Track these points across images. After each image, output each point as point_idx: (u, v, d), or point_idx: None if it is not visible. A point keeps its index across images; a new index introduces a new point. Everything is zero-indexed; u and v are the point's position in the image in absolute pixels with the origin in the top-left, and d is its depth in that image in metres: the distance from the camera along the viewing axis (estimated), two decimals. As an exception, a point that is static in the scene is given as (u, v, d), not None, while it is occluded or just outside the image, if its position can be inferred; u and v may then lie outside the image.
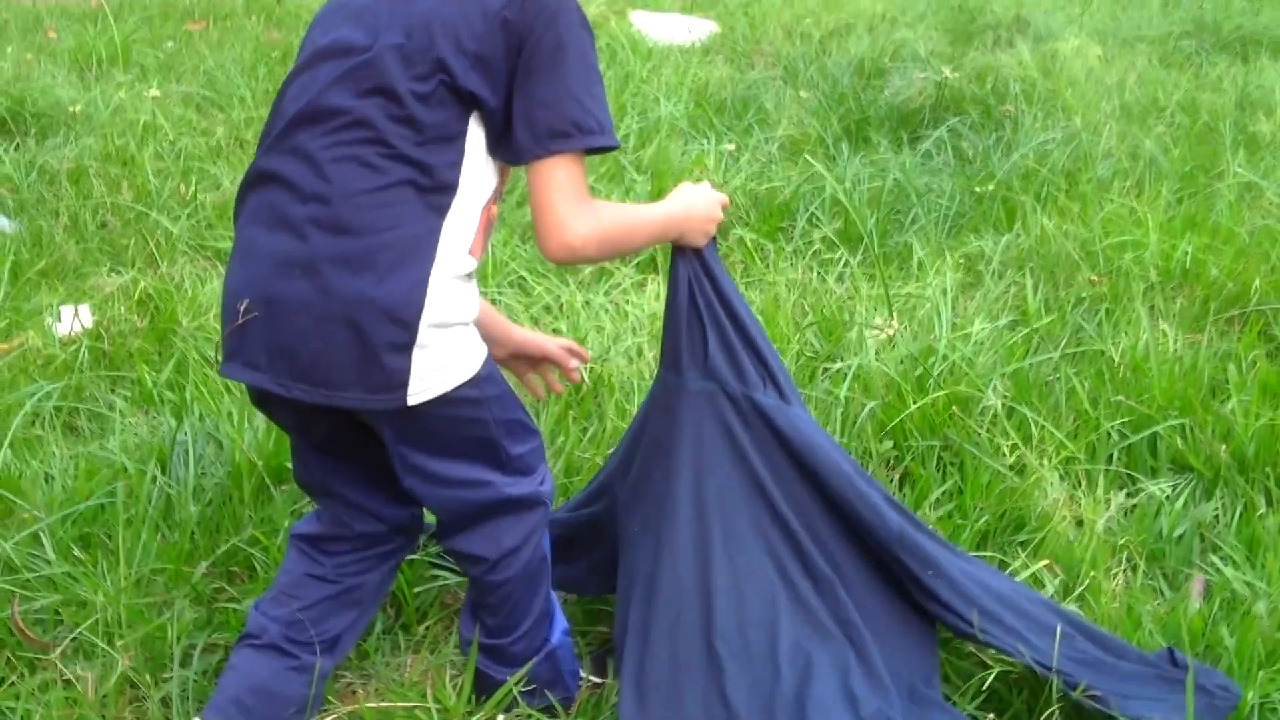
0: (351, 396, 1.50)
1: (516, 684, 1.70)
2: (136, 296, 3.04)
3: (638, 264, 3.05)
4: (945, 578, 1.68)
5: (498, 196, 1.61)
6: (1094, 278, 2.75)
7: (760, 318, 2.44)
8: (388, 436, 1.58)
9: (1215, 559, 1.95)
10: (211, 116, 4.58)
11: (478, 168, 1.54)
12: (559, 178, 1.51)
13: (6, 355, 2.79)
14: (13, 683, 1.78)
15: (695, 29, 5.69)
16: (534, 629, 1.72)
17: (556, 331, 2.65)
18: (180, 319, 2.90)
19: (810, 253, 3.10)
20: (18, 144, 4.21)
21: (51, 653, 1.81)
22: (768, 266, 3.04)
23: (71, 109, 4.24)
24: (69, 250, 3.40)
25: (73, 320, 2.95)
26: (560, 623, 1.78)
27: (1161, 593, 1.92)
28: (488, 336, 1.65)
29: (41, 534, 2.02)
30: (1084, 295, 2.70)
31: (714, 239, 1.73)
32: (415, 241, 1.49)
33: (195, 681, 1.78)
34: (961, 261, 2.95)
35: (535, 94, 1.50)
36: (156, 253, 3.34)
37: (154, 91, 4.36)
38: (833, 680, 1.60)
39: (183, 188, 3.72)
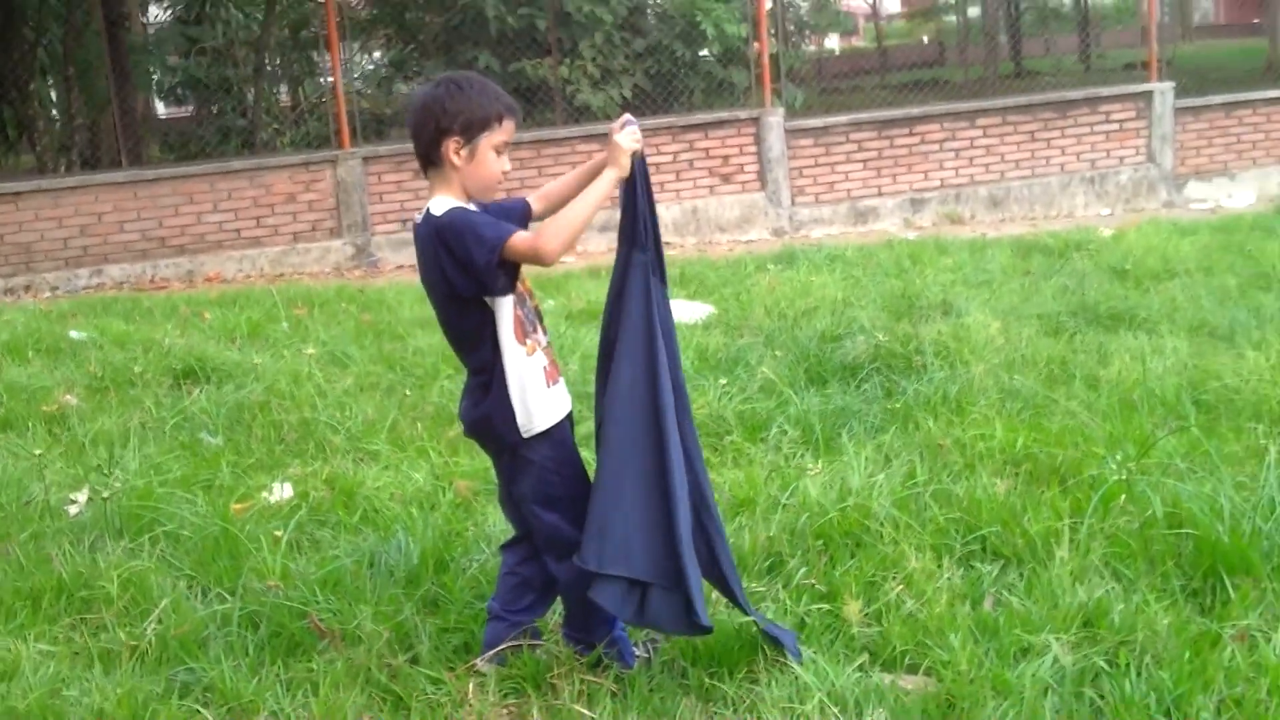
0: None
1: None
2: (323, 475, 4.52)
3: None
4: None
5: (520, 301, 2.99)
6: (949, 451, 4.24)
7: (745, 487, 3.97)
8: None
9: (1004, 592, 3.35)
10: (336, 370, 6.16)
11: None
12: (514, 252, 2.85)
13: (247, 511, 4.24)
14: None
15: (698, 311, 7.35)
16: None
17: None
18: (356, 489, 4.37)
19: (778, 449, 4.59)
20: (203, 389, 5.78)
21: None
22: (750, 462, 4.51)
23: (255, 362, 5.81)
24: (264, 453, 4.89)
25: (280, 491, 4.42)
26: (618, 624, 3.17)
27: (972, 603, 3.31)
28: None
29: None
30: (946, 462, 4.19)
31: (643, 157, 2.93)
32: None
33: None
34: (875, 449, 4.44)
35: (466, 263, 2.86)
36: (327, 451, 4.84)
37: (310, 350, 5.96)
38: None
39: (337, 415, 5.25)
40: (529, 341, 2.99)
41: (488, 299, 2.92)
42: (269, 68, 15.96)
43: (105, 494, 4.21)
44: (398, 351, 6.46)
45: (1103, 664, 2.95)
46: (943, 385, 5.10)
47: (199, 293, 9.36)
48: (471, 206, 2.97)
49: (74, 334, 7.08)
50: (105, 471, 4.57)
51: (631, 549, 2.91)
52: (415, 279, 8.95)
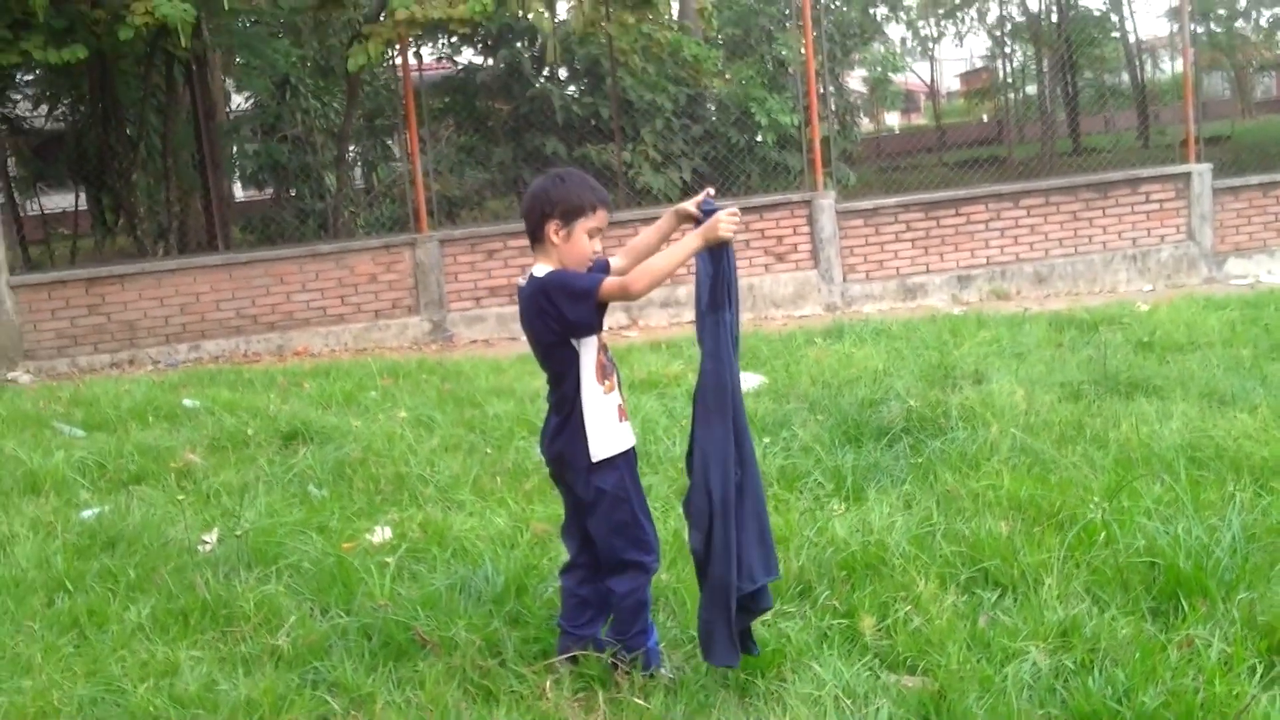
0: None
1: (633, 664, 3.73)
2: (418, 520, 5.22)
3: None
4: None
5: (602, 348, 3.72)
6: (962, 499, 4.87)
7: (782, 527, 4.62)
8: None
9: (998, 612, 3.96)
10: (423, 432, 6.87)
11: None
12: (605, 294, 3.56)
13: (355, 549, 4.94)
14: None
15: (750, 381, 8.00)
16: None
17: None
18: (446, 532, 5.06)
19: (814, 497, 5.23)
20: (307, 448, 6.52)
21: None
22: (788, 509, 5.15)
23: (353, 425, 6.56)
24: (364, 502, 5.61)
25: (381, 534, 5.13)
26: (653, 634, 3.81)
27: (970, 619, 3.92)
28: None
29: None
30: (959, 508, 4.81)
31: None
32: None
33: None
34: (897, 497, 5.07)
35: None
36: (419, 501, 5.55)
37: (403, 413, 6.70)
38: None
39: (426, 470, 5.96)
40: (606, 382, 3.69)
41: (574, 342, 3.64)
42: (348, 155, 16.95)
43: (238, 532, 4.94)
44: (476, 417, 7.17)
45: (1072, 666, 3.55)
46: (963, 444, 5.72)
47: (290, 366, 10.19)
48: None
49: (187, 402, 7.88)
50: (235, 514, 5.31)
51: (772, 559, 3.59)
52: (488, 352, 9.73)
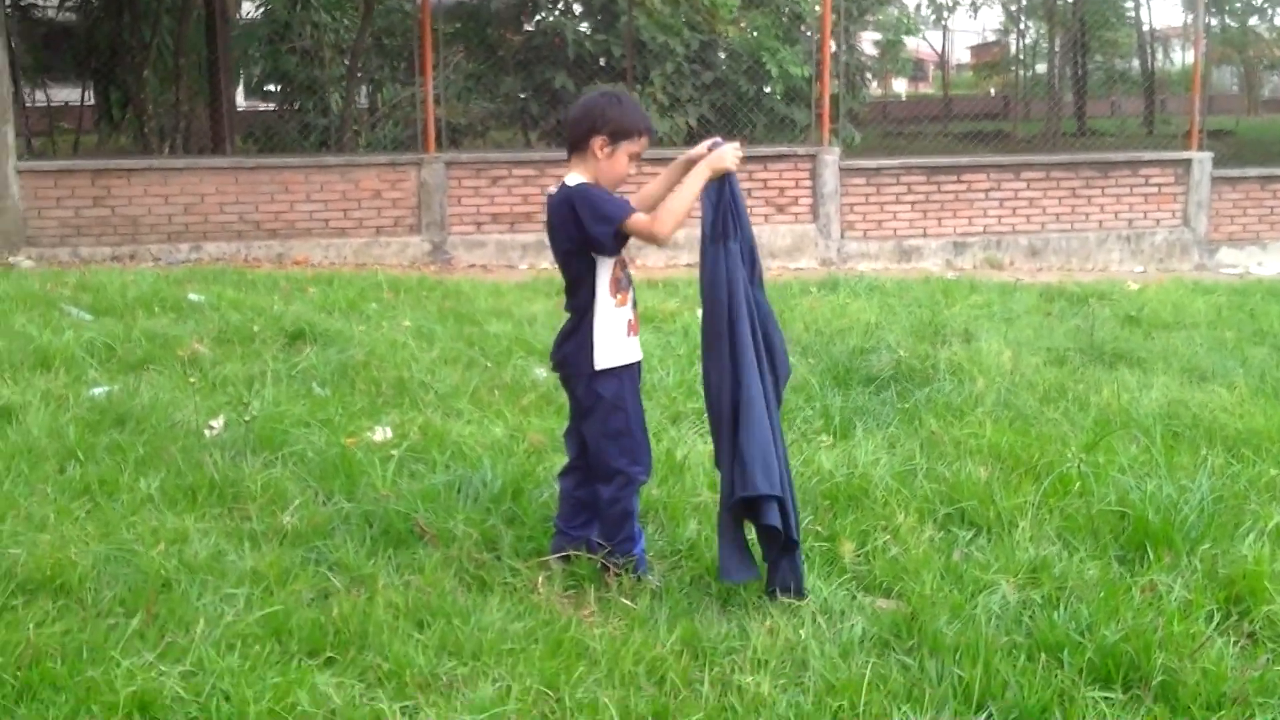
0: None
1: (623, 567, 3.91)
2: (418, 424, 5.38)
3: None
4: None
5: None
6: (944, 444, 5.06)
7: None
8: None
9: (972, 548, 4.15)
10: (424, 343, 7.02)
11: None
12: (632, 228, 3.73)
13: (357, 444, 5.11)
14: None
15: (744, 322, 8.17)
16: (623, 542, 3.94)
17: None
18: (445, 436, 5.22)
19: (802, 433, 5.41)
20: (311, 349, 6.67)
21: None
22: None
23: (357, 329, 6.71)
24: (366, 403, 5.77)
25: (382, 433, 5.28)
26: (640, 542, 3.98)
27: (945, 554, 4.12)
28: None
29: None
30: (941, 452, 5.00)
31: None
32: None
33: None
34: (882, 438, 5.25)
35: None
36: (419, 406, 5.71)
37: (406, 322, 6.85)
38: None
39: (427, 378, 6.12)
40: (619, 295, 3.84)
41: (594, 255, 3.79)
42: (358, 73, 16.96)
43: (247, 418, 5.10)
44: (476, 334, 7.33)
45: (1039, 601, 3.75)
46: (949, 395, 5.91)
47: (291, 273, 10.30)
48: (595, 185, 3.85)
49: (192, 296, 8.00)
50: (244, 402, 5.47)
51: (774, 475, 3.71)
52: (486, 276, 9.83)
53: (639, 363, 3.97)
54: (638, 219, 3.75)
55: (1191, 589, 3.80)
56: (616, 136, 3.82)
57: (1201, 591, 3.77)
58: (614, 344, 3.86)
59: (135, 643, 3.37)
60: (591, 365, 3.85)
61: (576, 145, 3.86)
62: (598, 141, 3.81)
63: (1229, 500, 4.51)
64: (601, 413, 3.89)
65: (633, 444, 3.93)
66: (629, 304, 3.92)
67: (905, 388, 6.14)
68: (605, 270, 3.84)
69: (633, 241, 3.80)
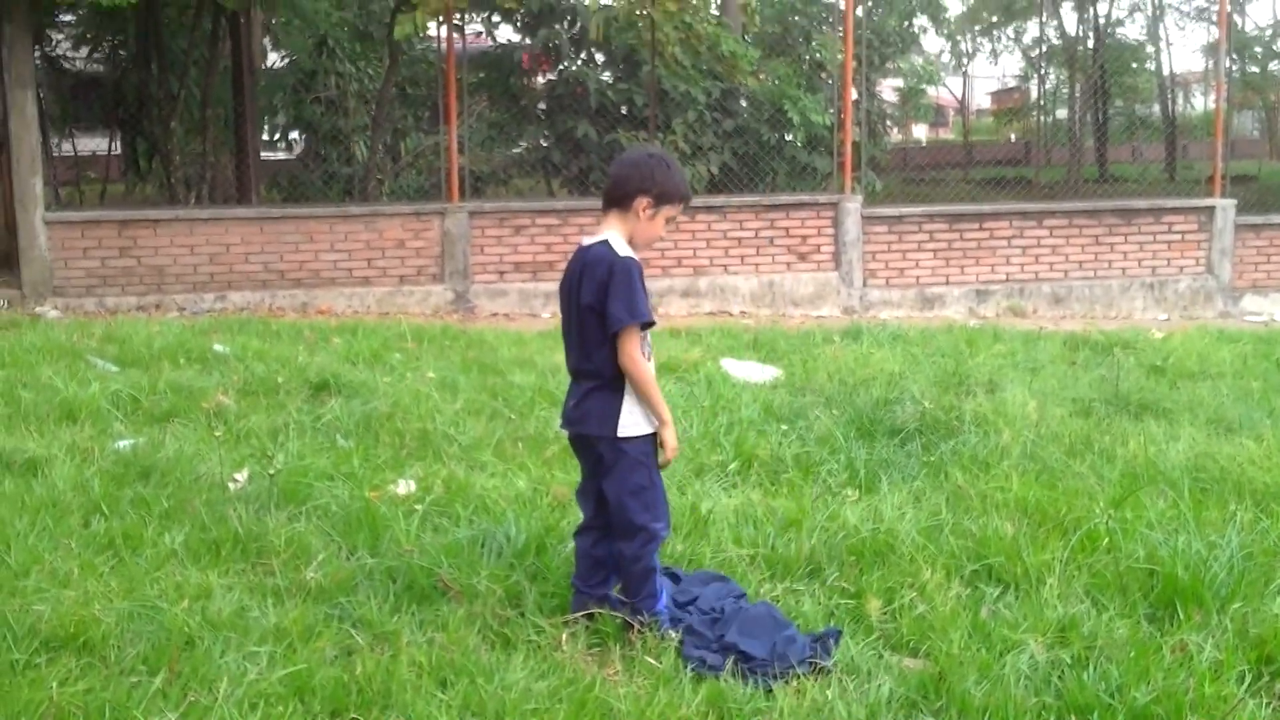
0: None
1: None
2: (441, 476, 5.38)
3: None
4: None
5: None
6: (971, 498, 5.02)
7: (795, 511, 4.77)
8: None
9: (999, 605, 4.11)
10: (448, 394, 7.03)
11: None
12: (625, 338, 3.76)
13: (380, 498, 5.10)
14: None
15: (767, 372, 8.16)
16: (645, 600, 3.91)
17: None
18: (469, 489, 5.21)
19: (826, 486, 5.39)
20: (335, 400, 6.69)
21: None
22: (802, 495, 5.30)
23: (381, 381, 6.72)
24: (389, 456, 5.77)
25: (405, 486, 5.28)
26: (664, 599, 3.96)
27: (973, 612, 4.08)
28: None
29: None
30: (968, 506, 4.97)
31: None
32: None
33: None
34: (908, 492, 5.22)
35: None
36: (443, 458, 5.71)
37: (430, 373, 6.86)
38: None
39: (450, 430, 6.12)
40: (646, 360, 3.83)
41: None
42: (383, 121, 17.09)
43: (271, 471, 5.11)
44: (499, 384, 7.33)
45: (1068, 661, 3.70)
46: (974, 447, 5.88)
47: (315, 322, 10.35)
48: (636, 257, 3.86)
49: (218, 347, 8.04)
50: (269, 455, 5.49)
51: None
52: (509, 325, 9.85)
53: None
54: (633, 336, 3.77)
55: (1222, 649, 3.75)
56: (660, 200, 3.85)
57: (1232, 651, 3.72)
58: (643, 411, 3.87)
59: (158, 702, 3.37)
60: (614, 430, 3.84)
61: (620, 202, 3.88)
62: (643, 202, 3.84)
63: (1259, 557, 4.46)
64: (624, 469, 3.87)
65: (654, 499, 3.91)
66: (652, 363, 3.93)
67: (930, 439, 6.11)
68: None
69: (653, 289, 3.83)
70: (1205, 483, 5.51)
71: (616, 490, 3.90)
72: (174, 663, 3.55)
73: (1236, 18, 24.35)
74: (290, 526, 4.67)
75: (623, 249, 3.83)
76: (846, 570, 4.37)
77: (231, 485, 5.26)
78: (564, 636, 3.87)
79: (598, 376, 3.86)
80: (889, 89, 24.32)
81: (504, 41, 18.37)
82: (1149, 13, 28.44)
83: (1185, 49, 73.44)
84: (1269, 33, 28.88)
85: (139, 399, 6.56)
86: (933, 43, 34.18)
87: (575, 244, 4.01)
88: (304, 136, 18.03)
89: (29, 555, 4.36)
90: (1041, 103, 29.89)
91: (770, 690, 3.57)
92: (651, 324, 3.83)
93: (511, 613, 4.02)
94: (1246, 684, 3.57)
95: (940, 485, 5.39)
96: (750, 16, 17.97)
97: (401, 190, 16.50)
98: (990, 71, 44.84)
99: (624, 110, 16.33)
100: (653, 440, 3.93)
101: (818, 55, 17.42)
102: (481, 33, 19.14)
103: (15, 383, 6.86)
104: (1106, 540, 4.55)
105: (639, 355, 3.79)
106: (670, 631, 3.93)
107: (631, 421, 3.83)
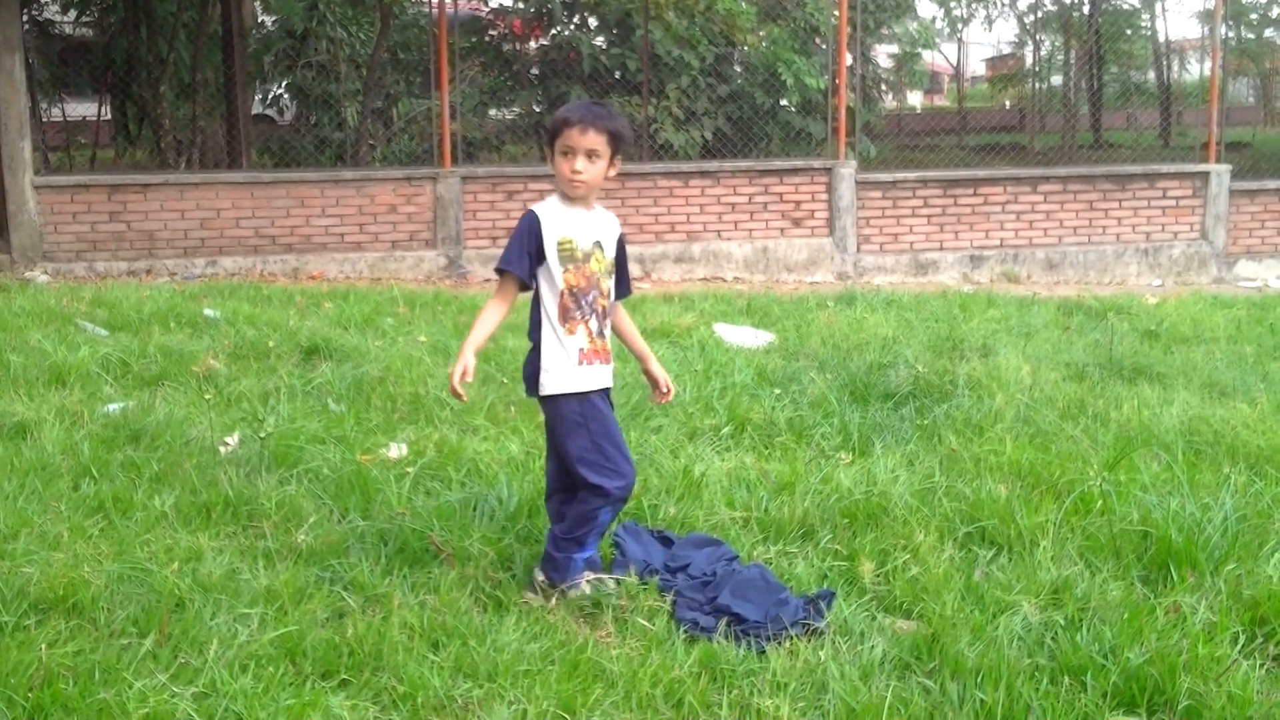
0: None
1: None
2: (433, 440, 5.35)
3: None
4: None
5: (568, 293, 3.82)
6: (964, 461, 5.00)
7: (788, 474, 4.75)
8: None
9: (992, 568, 4.10)
10: (440, 358, 7.00)
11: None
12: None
13: (372, 461, 5.08)
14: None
15: (760, 337, 8.14)
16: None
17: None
18: (461, 452, 5.19)
19: (820, 449, 5.37)
20: (327, 364, 6.65)
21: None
22: (795, 458, 5.28)
23: (374, 345, 6.69)
24: (381, 420, 5.74)
25: (397, 450, 5.26)
26: (587, 553, 3.91)
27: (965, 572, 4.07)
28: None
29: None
30: (961, 469, 4.95)
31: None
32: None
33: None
34: (901, 455, 5.21)
35: None
36: (435, 422, 5.68)
37: (422, 337, 6.82)
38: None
39: (442, 394, 6.09)
40: (568, 324, 3.81)
41: (537, 277, 3.82)
42: (374, 86, 16.97)
43: (262, 435, 5.08)
44: (492, 350, 7.29)
45: (1061, 622, 3.69)
46: (968, 411, 5.86)
47: (306, 287, 10.30)
48: (541, 208, 3.86)
49: (208, 312, 8.00)
50: (259, 418, 5.45)
51: None
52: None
53: (599, 390, 3.91)
54: (504, 284, 3.87)
55: (1216, 610, 3.75)
56: (551, 139, 3.85)
57: (1226, 613, 3.71)
58: (561, 372, 3.84)
59: (148, 664, 3.35)
60: (537, 389, 3.86)
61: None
62: (548, 154, 3.90)
63: (1252, 519, 4.45)
64: (563, 432, 3.88)
65: (601, 460, 3.85)
66: (588, 334, 3.86)
67: (924, 404, 6.10)
68: (549, 296, 3.83)
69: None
70: (1199, 446, 5.50)
71: (562, 451, 3.90)
72: (164, 625, 3.53)
73: (1233, -17, 24.22)
74: (281, 490, 4.64)
75: (545, 201, 3.88)
76: (840, 533, 4.36)
77: (222, 449, 5.23)
78: (554, 600, 3.86)
79: (530, 333, 3.89)
80: (884, 54, 24.16)
81: (496, 6, 18.25)
82: (1145, -22, 28.24)
83: (1181, 15, 72.80)
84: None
85: (129, 363, 6.52)
86: (927, 8, 34.06)
87: (566, 209, 3.98)
88: (294, 101, 17.89)
89: (18, 518, 4.34)
90: (1036, 69, 29.73)
91: (763, 652, 3.56)
92: (510, 274, 3.82)
93: (503, 575, 4.00)
94: (1240, 645, 3.56)
95: (934, 448, 5.37)
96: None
97: (393, 156, 16.39)
98: (985, 38, 44.65)
99: (617, 75, 16.24)
100: (599, 399, 3.88)
101: (813, 19, 17.30)
102: (475, -2, 19.00)
103: (4, 347, 6.82)
104: (1100, 503, 4.54)
105: (491, 301, 3.85)
106: (577, 587, 3.87)
107: (549, 380, 3.83)
